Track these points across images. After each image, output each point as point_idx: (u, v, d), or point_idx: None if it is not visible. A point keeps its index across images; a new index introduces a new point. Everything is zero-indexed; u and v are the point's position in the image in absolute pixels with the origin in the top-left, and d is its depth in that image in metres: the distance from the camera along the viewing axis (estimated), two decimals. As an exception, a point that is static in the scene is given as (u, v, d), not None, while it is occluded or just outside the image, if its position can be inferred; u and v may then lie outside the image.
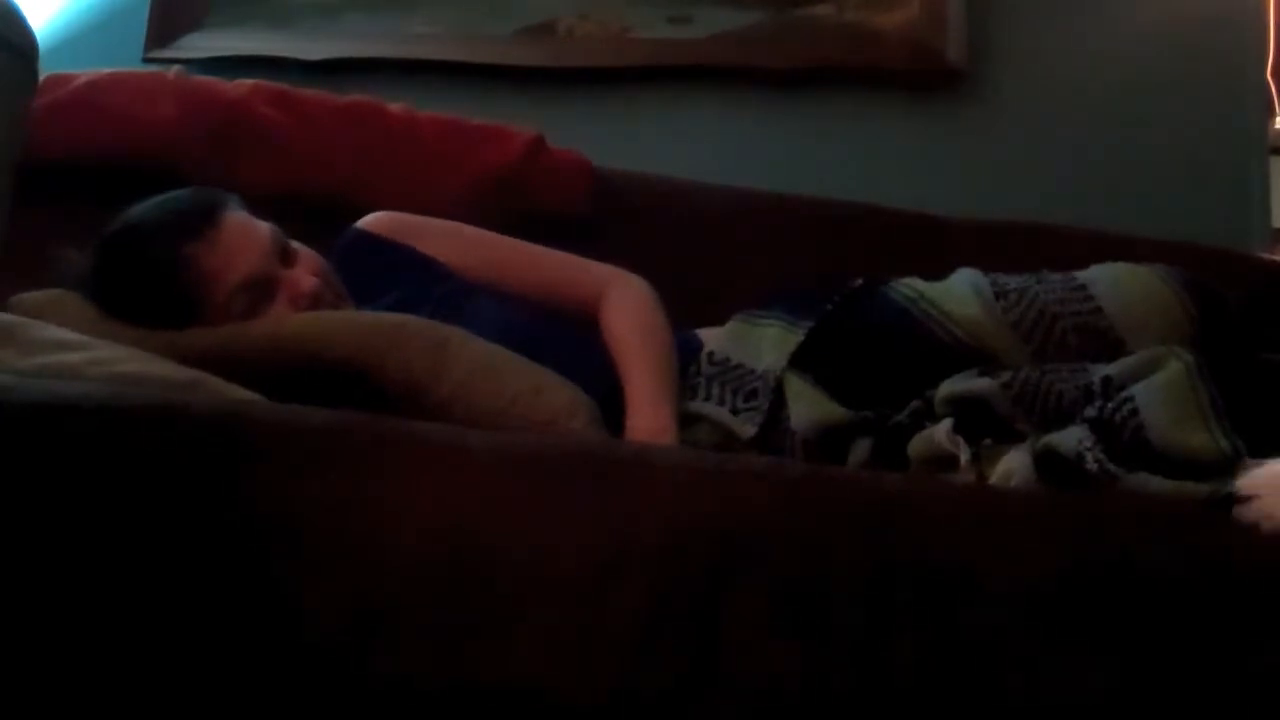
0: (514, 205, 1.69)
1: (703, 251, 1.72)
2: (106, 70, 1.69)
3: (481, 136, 1.75)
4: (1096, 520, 0.89)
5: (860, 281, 1.37)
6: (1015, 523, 0.88)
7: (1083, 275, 1.25)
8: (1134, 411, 1.02)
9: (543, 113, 1.97)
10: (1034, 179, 1.99)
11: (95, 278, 1.29)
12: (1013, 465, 1.05)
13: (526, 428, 1.15)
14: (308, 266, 1.35)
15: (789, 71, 2.03)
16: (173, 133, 1.63)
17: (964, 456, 1.09)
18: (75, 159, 1.58)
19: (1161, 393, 1.03)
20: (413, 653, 0.82)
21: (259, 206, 1.37)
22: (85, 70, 1.68)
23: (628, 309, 1.41)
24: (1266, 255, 1.88)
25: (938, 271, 1.34)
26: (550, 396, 1.19)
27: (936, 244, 1.71)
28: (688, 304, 1.48)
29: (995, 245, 1.68)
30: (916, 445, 1.14)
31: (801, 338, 1.31)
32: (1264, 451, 0.97)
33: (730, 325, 1.43)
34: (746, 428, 1.28)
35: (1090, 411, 1.05)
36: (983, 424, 1.12)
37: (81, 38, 2.18)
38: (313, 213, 1.55)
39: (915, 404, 1.18)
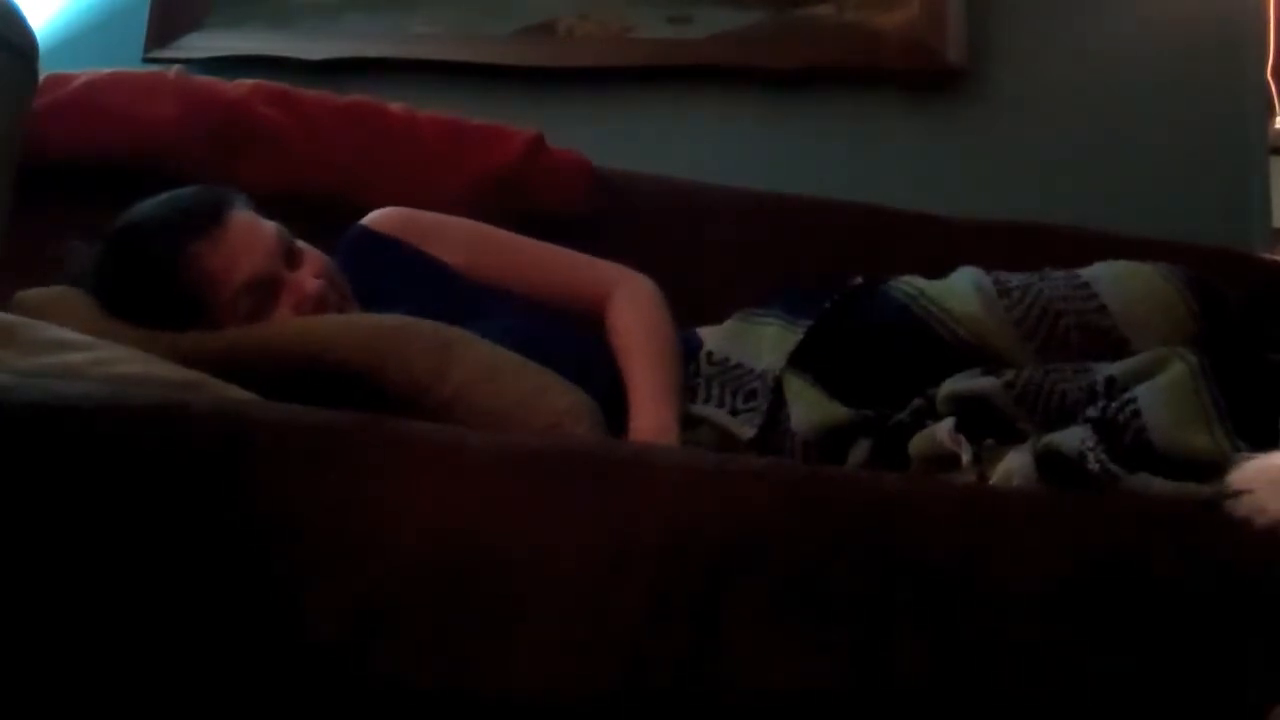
0: (514, 205, 1.69)
1: (703, 251, 1.72)
2: (106, 70, 1.69)
3: (481, 136, 1.75)
4: (1098, 521, 0.89)
5: (860, 280, 1.37)
6: (1016, 523, 0.88)
7: (1086, 273, 1.25)
8: (1136, 412, 1.02)
9: (543, 113, 1.97)
10: (1034, 179, 1.99)
11: (98, 275, 1.29)
12: (1014, 465, 1.05)
13: (529, 430, 1.14)
14: (312, 268, 1.34)
15: (789, 71, 2.03)
16: (173, 133, 1.63)
17: (966, 456, 1.09)
18: (75, 159, 1.58)
19: (1164, 394, 1.03)
20: (413, 653, 0.82)
21: (259, 206, 1.37)
22: (85, 70, 1.68)
23: (633, 308, 1.41)
24: (1266, 255, 1.88)
25: (938, 271, 1.34)
26: (553, 399, 1.19)
27: (936, 244, 1.70)
28: (688, 303, 1.48)
29: (995, 245, 1.68)
30: (918, 443, 1.14)
31: (800, 337, 1.31)
32: (1266, 451, 0.97)
33: (729, 324, 1.43)
34: (746, 429, 1.28)
35: (1093, 412, 1.05)
36: (985, 423, 1.12)
37: (81, 38, 2.18)
38: (313, 213, 1.54)
39: (917, 402, 1.18)
